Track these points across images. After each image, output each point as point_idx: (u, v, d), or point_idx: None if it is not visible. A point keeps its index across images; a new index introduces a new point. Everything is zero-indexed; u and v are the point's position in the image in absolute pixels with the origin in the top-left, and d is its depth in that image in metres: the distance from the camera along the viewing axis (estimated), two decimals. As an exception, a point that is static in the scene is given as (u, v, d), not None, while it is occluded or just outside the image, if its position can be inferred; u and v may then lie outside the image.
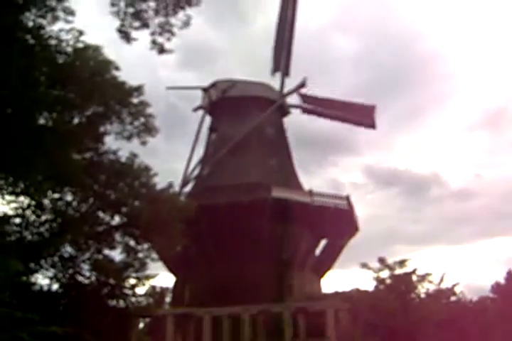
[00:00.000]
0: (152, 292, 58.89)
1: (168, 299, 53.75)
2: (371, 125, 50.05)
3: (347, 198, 46.99)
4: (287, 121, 52.03)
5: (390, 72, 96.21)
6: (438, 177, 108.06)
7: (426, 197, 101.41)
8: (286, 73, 50.24)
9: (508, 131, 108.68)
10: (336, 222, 45.28)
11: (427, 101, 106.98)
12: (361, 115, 49.70)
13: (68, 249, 20.44)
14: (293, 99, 51.81)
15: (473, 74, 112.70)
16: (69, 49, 14.33)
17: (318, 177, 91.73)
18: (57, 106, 14.70)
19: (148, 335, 42.10)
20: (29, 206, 20.00)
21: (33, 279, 20.20)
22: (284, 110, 51.37)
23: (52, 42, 13.78)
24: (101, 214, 20.70)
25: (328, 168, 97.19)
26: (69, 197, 20.17)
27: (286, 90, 51.23)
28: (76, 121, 17.57)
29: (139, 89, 20.59)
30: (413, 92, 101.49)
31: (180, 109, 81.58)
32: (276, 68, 50.34)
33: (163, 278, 72.48)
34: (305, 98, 51.34)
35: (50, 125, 14.90)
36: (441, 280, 39.74)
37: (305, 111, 51.69)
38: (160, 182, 21.94)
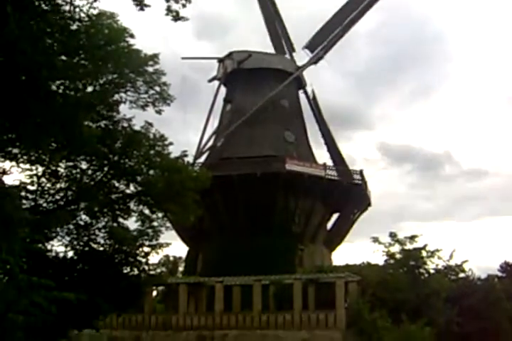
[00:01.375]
0: (166, 261, 59.67)
1: (181, 268, 54.51)
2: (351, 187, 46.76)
3: (360, 173, 47.05)
4: (302, 94, 51.79)
5: (405, 47, 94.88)
6: (450, 156, 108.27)
7: (438, 175, 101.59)
8: (311, 49, 49.87)
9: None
10: (349, 197, 45.46)
11: (442, 78, 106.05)
12: (339, 164, 48.11)
13: (83, 217, 20.61)
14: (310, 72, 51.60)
15: (491, 51, 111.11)
16: (83, 15, 14.13)
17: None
18: (70, 73, 14.55)
19: (161, 303, 42.80)
20: (44, 174, 20.12)
21: (48, 246, 20.43)
22: (300, 83, 51.05)
23: (66, 8, 13.55)
24: (116, 182, 20.78)
25: (341, 143, 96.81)
26: (84, 166, 20.25)
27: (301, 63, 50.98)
28: (89, 89, 17.47)
29: (154, 58, 20.40)
30: (429, 68, 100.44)
31: (194, 80, 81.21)
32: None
33: (177, 248, 73.36)
34: (314, 102, 50.89)
35: (63, 92, 14.79)
36: (451, 257, 39.96)
37: (311, 107, 51.21)
38: (173, 152, 21.96)
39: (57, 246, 20.72)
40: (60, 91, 14.75)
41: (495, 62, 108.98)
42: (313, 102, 50.83)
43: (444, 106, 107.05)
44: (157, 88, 20.28)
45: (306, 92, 51.16)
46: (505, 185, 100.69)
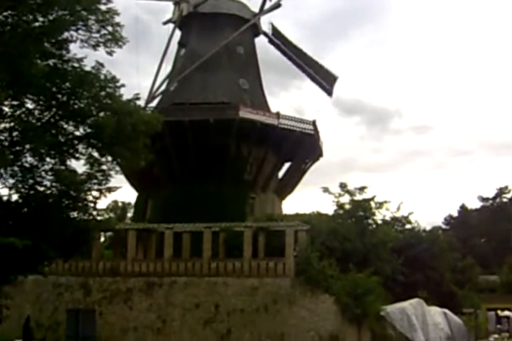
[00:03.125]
0: (114, 206, 58.81)
1: (130, 214, 54.11)
2: (329, 92, 50.02)
3: (313, 123, 46.91)
4: (257, 41, 50.86)
5: (358, 1, 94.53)
6: (399, 111, 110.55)
7: (386, 129, 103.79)
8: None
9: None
10: (301, 146, 45.49)
11: (397, 32, 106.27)
12: (323, 78, 49.36)
13: (29, 159, 19.79)
14: (266, 19, 50.52)
15: (448, 6, 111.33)
16: None
17: (282, 101, 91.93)
18: (17, 5, 13.61)
19: (109, 249, 42.51)
20: (-13, 112, 19.16)
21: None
22: (256, 30, 50.03)
23: None
24: (64, 124, 19.97)
25: (292, 92, 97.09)
26: (30, 105, 19.34)
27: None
28: (38, 24, 16.49)
29: (107, -5, 19.37)
30: (382, 23, 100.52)
31: (148, 22, 79.16)
32: None
33: (126, 193, 72.63)
34: (276, 33, 50.03)
35: (10, 22, 13.85)
36: (398, 208, 40.94)
37: (273, 43, 50.46)
38: (125, 96, 21.19)
39: (1, 189, 19.99)
40: (8, 21, 13.80)
41: (450, 19, 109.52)
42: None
43: (394, 62, 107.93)
44: (109, 28, 19.38)
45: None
46: (450, 140, 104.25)
